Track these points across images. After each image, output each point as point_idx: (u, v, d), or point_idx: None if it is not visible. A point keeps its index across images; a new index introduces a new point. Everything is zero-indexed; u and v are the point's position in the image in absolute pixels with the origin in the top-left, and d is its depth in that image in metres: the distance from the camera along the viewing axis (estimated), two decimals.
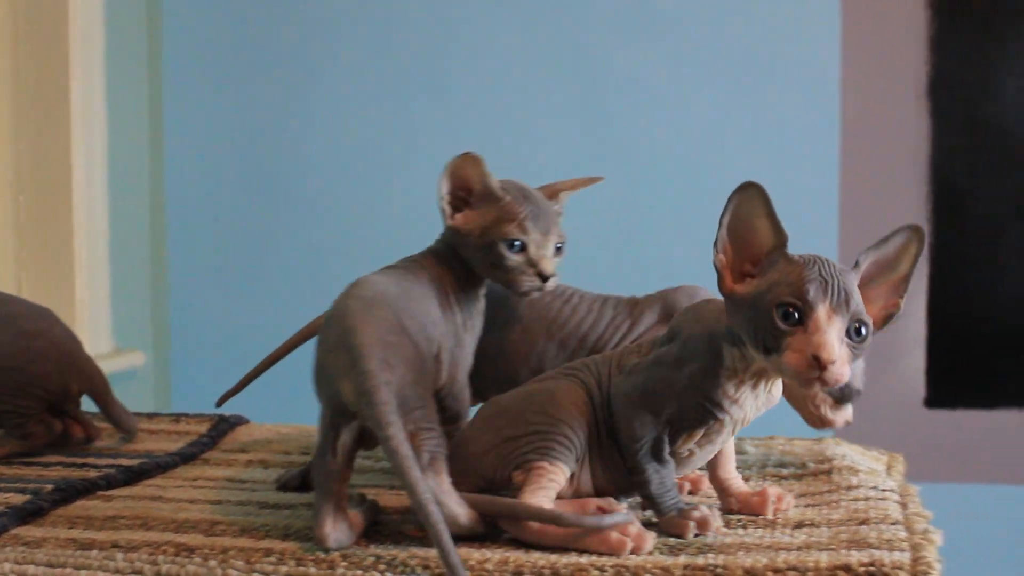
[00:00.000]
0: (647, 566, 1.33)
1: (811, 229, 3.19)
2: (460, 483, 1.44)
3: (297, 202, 3.41)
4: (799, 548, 1.37)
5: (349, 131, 3.39)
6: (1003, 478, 3.27)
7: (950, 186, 3.25)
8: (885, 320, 1.39)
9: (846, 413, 1.71)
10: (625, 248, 3.29)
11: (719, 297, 1.41)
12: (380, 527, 1.48)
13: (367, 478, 1.75)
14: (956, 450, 3.28)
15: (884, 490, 1.61)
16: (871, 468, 1.75)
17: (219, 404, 1.94)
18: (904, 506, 1.55)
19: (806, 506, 1.57)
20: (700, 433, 1.44)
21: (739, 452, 1.83)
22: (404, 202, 3.34)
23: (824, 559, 1.32)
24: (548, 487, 1.41)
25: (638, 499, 1.50)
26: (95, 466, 1.86)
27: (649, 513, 1.49)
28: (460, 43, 3.36)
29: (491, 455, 1.45)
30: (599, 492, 1.48)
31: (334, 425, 1.42)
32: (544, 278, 1.61)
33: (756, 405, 1.43)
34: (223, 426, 2.13)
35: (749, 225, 1.36)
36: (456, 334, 1.59)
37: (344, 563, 1.36)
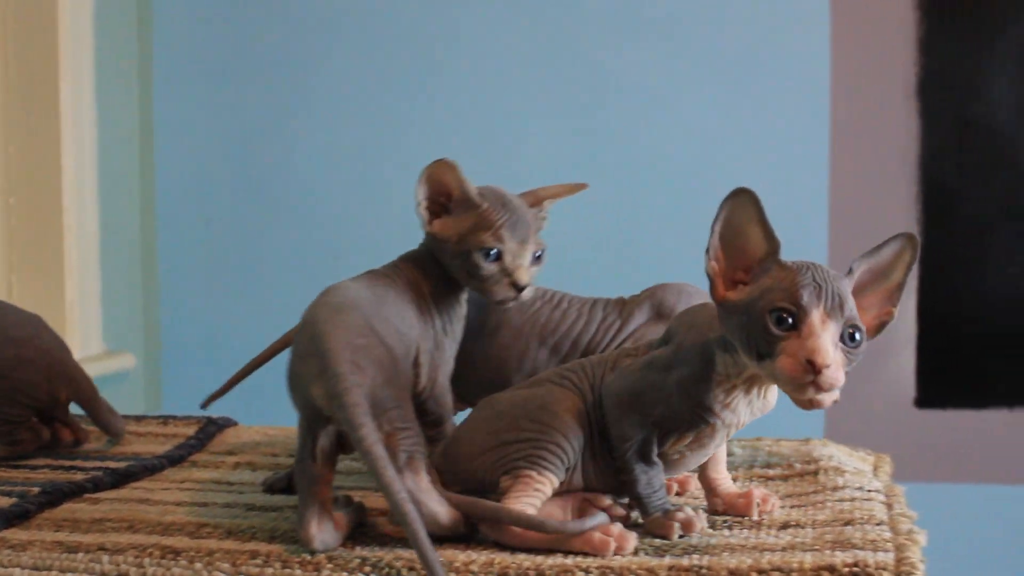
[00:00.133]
0: (632, 567, 1.33)
1: (801, 229, 3.20)
2: (450, 482, 1.44)
3: (288, 204, 3.41)
4: (784, 549, 1.38)
5: (340, 133, 3.39)
6: (994, 478, 3.28)
7: (939, 186, 3.26)
8: (878, 328, 1.39)
9: (834, 393, 1.71)
10: (616, 250, 3.29)
11: (709, 299, 1.41)
12: (367, 529, 1.48)
13: (354, 480, 1.75)
14: (947, 450, 3.29)
15: (870, 491, 1.62)
16: (857, 469, 1.75)
17: (204, 406, 1.94)
18: (889, 507, 1.56)
19: (792, 507, 1.58)
20: (690, 437, 1.44)
21: (727, 453, 1.83)
22: (395, 204, 3.32)
23: (808, 560, 1.33)
24: (533, 496, 1.41)
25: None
26: (82, 469, 1.86)
27: (635, 515, 1.49)
28: (452, 44, 3.36)
29: (482, 458, 1.45)
30: (590, 491, 1.48)
31: (311, 430, 1.42)
32: (519, 288, 1.60)
33: (751, 410, 1.43)
34: (211, 428, 2.13)
35: (741, 232, 1.36)
36: (435, 338, 1.59)
37: (330, 565, 1.36)
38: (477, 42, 3.35)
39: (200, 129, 3.43)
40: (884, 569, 1.30)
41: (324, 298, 1.50)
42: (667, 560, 1.35)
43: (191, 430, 2.15)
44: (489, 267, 1.59)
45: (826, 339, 1.30)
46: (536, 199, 1.68)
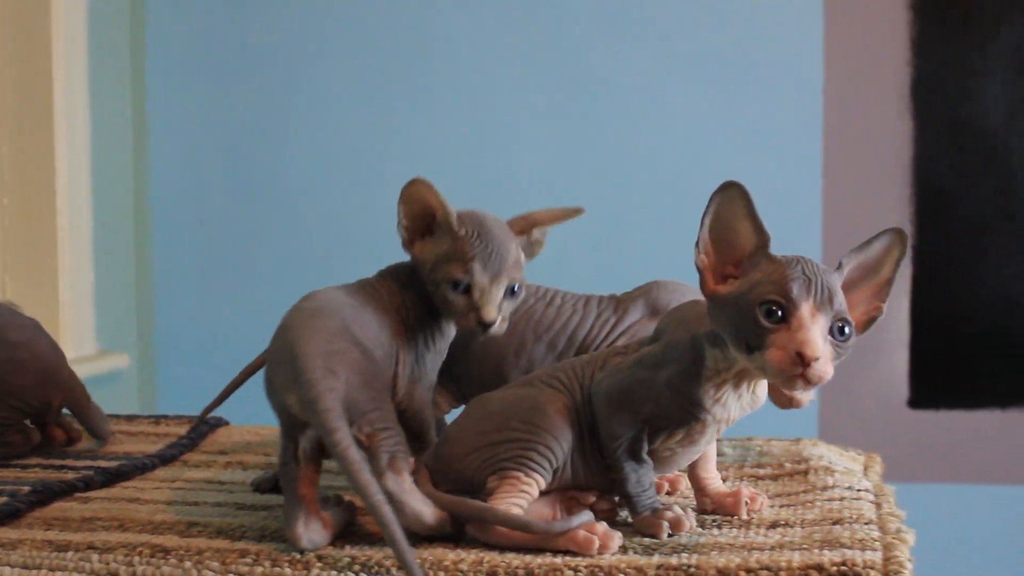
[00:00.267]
0: (621, 566, 1.33)
1: (794, 230, 3.20)
2: (441, 481, 1.45)
3: (281, 205, 3.41)
4: (772, 548, 1.38)
5: (333, 133, 3.39)
6: (987, 479, 3.28)
7: (933, 187, 3.26)
8: (867, 323, 1.39)
9: (811, 393, 1.71)
10: (609, 250, 3.29)
11: (702, 296, 1.41)
12: (357, 528, 1.48)
13: (345, 479, 1.75)
14: (940, 451, 3.29)
15: (859, 490, 1.62)
16: (847, 468, 1.75)
17: (202, 417, 1.94)
18: (879, 506, 1.56)
19: (781, 506, 1.58)
20: (681, 434, 1.44)
21: (717, 453, 1.83)
22: (388, 204, 3.33)
23: (797, 559, 1.33)
24: (519, 498, 1.41)
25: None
26: (73, 468, 1.86)
27: (624, 514, 1.49)
28: (443, 45, 3.36)
29: (471, 457, 1.45)
30: (578, 489, 1.48)
31: (291, 435, 1.43)
32: (484, 325, 1.56)
33: (740, 406, 1.43)
34: (202, 428, 2.13)
35: (731, 226, 1.37)
36: (416, 351, 1.57)
37: (319, 564, 1.37)
38: (470, 43, 3.36)
39: (194, 130, 3.44)
40: (872, 568, 1.30)
41: (300, 303, 1.50)
42: (656, 559, 1.35)
43: (183, 430, 2.15)
44: (456, 299, 1.56)
45: (815, 332, 1.30)
46: (526, 224, 1.64)
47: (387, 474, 1.38)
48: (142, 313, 3.45)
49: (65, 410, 2.03)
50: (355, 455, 1.33)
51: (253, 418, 2.28)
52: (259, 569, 1.37)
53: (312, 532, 1.40)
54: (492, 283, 1.56)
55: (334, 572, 1.35)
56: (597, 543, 1.37)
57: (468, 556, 1.37)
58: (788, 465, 1.77)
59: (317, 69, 3.39)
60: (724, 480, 1.66)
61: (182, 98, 3.43)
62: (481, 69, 3.36)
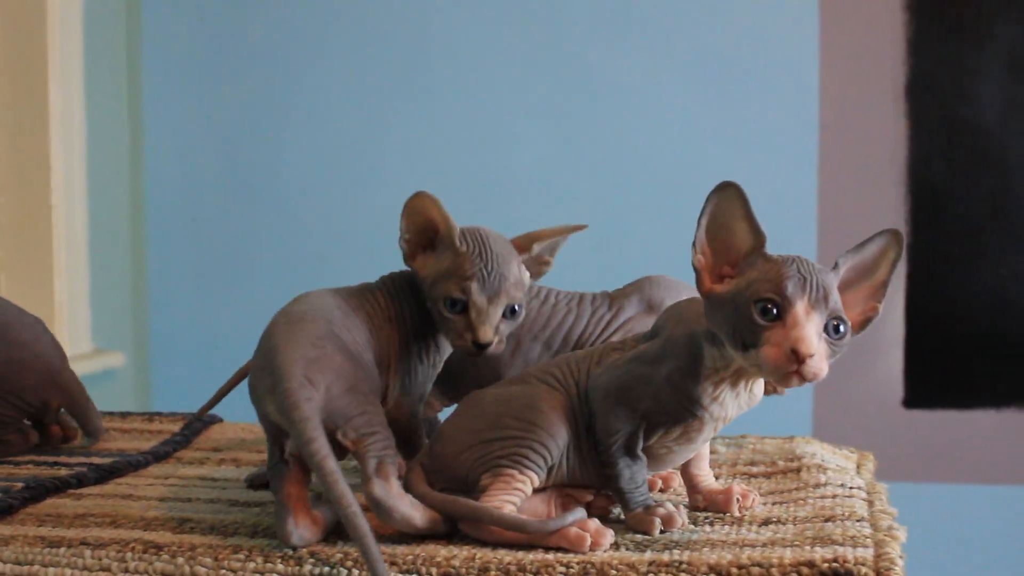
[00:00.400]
0: (613, 562, 1.34)
1: (790, 230, 3.21)
2: (435, 479, 1.45)
3: (276, 204, 3.41)
4: (764, 545, 1.38)
5: (328, 133, 3.40)
6: (981, 478, 3.29)
7: (928, 187, 3.27)
8: (863, 324, 1.39)
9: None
10: (605, 249, 3.29)
11: (696, 292, 1.41)
12: None
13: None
14: (934, 450, 3.29)
15: (852, 488, 1.62)
16: (840, 466, 1.75)
17: (199, 416, 1.94)
18: (871, 504, 1.56)
19: (774, 503, 1.58)
20: (678, 431, 1.44)
21: (711, 451, 1.84)
22: (383, 204, 3.33)
23: (788, 555, 1.33)
24: (512, 495, 1.41)
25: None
26: (67, 465, 1.86)
27: (617, 511, 1.49)
28: (439, 45, 3.37)
29: (465, 455, 1.45)
30: (573, 486, 1.48)
31: (276, 440, 1.43)
32: (479, 346, 1.53)
33: (738, 404, 1.43)
34: (196, 425, 2.13)
35: (727, 226, 1.37)
36: (409, 361, 1.55)
37: (312, 560, 1.37)
38: (466, 43, 3.36)
39: (189, 129, 3.44)
40: (863, 564, 1.30)
41: (287, 307, 1.50)
42: (648, 555, 1.35)
43: (176, 427, 2.15)
44: (453, 318, 1.53)
45: (810, 329, 1.31)
46: (527, 242, 1.60)
47: (373, 480, 1.38)
48: (137, 311, 3.45)
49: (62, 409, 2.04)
50: (331, 465, 1.33)
51: (247, 415, 2.28)
52: (251, 565, 1.37)
53: (303, 529, 1.40)
54: (490, 303, 1.53)
55: (326, 568, 1.35)
56: (589, 540, 1.37)
57: (460, 552, 1.37)
58: (781, 463, 1.77)
59: (313, 69, 3.39)
60: (717, 477, 1.67)
61: (177, 97, 3.44)
62: (478, 69, 3.36)
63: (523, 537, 1.39)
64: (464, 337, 1.53)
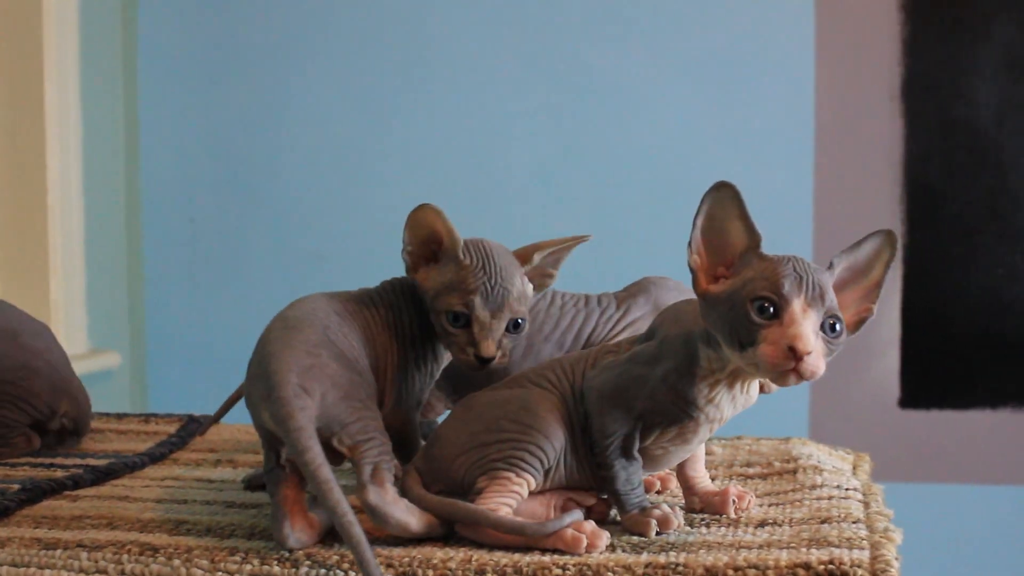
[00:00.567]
0: (609, 564, 1.34)
1: (786, 230, 3.21)
2: (431, 482, 1.45)
3: (272, 204, 3.41)
4: (760, 546, 1.38)
5: (324, 133, 3.39)
6: (977, 478, 3.29)
7: (924, 187, 3.27)
8: (858, 324, 1.40)
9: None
10: (601, 249, 3.29)
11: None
12: None
13: (344, 478, 1.75)
14: (930, 450, 3.30)
15: (848, 489, 1.62)
16: (836, 467, 1.75)
17: (202, 433, 1.94)
18: (867, 505, 1.56)
19: (770, 505, 1.58)
20: (674, 431, 1.44)
21: (707, 452, 1.83)
22: (379, 203, 3.34)
23: (784, 557, 1.33)
24: (509, 497, 1.42)
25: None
26: (63, 466, 1.86)
27: (614, 513, 1.49)
28: (436, 44, 3.36)
29: (461, 459, 1.45)
30: (572, 488, 1.48)
31: (271, 446, 1.43)
32: (482, 360, 1.51)
33: (733, 406, 1.43)
34: (192, 426, 2.13)
35: (723, 227, 1.38)
36: (406, 369, 1.54)
37: (308, 562, 1.37)
38: (462, 43, 3.36)
39: (185, 128, 3.43)
40: (859, 566, 1.30)
41: (283, 312, 1.49)
42: (644, 557, 1.35)
43: (172, 428, 2.15)
44: (455, 332, 1.52)
45: (807, 327, 1.31)
46: (529, 252, 1.59)
47: (368, 487, 1.38)
48: (134, 312, 3.45)
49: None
50: (326, 474, 1.33)
51: (243, 417, 2.28)
52: (248, 567, 1.37)
53: (299, 533, 1.40)
54: (493, 318, 1.51)
55: (322, 570, 1.35)
56: (585, 542, 1.37)
57: (457, 554, 1.37)
58: (777, 464, 1.77)
59: (309, 69, 3.39)
60: (713, 479, 1.67)
61: (173, 97, 3.43)
62: (475, 69, 3.36)
63: (519, 539, 1.39)
64: (467, 351, 1.51)
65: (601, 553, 1.37)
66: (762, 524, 1.49)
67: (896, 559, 1.34)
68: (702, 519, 1.52)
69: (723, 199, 1.37)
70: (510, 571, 1.33)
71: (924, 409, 3.30)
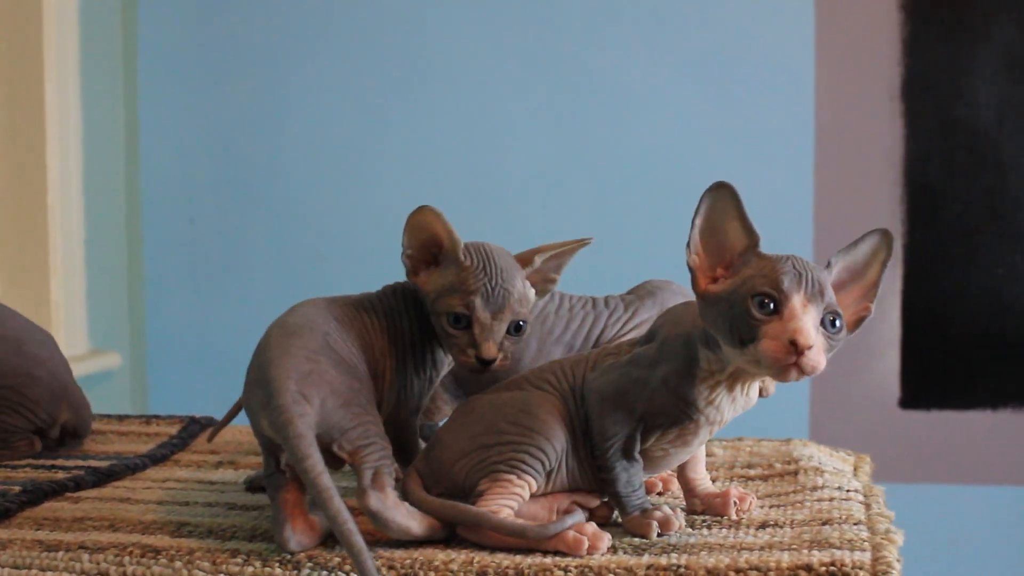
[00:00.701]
0: (611, 566, 1.34)
1: (786, 231, 3.21)
2: (432, 484, 1.45)
3: (272, 205, 3.41)
4: (762, 548, 1.38)
5: (324, 134, 3.39)
6: (977, 479, 3.29)
7: (924, 187, 3.27)
8: (857, 323, 1.40)
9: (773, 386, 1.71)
10: (600, 249, 3.29)
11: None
12: None
13: (343, 480, 1.75)
14: (931, 451, 3.30)
15: (849, 491, 1.62)
16: (837, 469, 1.75)
17: (210, 439, 1.94)
18: (868, 506, 1.56)
19: (771, 506, 1.58)
20: (674, 433, 1.44)
21: (707, 454, 1.83)
22: (379, 203, 3.34)
23: (786, 559, 1.33)
24: (510, 499, 1.42)
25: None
26: (64, 468, 1.86)
27: (615, 514, 1.50)
28: (435, 44, 3.36)
29: (463, 461, 1.45)
30: (574, 491, 1.48)
31: (271, 451, 1.43)
32: (483, 362, 1.50)
33: (734, 407, 1.44)
34: (193, 428, 2.13)
35: (721, 227, 1.38)
36: (405, 374, 1.53)
37: (310, 564, 1.37)
38: (462, 42, 3.36)
39: (185, 129, 3.43)
40: (860, 568, 1.30)
41: (281, 318, 1.49)
42: (645, 559, 1.36)
43: (174, 429, 2.15)
44: (456, 334, 1.50)
45: (807, 321, 1.32)
46: (530, 255, 1.57)
47: (369, 492, 1.38)
48: (134, 312, 3.45)
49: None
50: (325, 482, 1.33)
51: (244, 418, 2.28)
52: (249, 569, 1.37)
53: (300, 534, 1.40)
54: (494, 319, 1.50)
55: (324, 572, 1.35)
56: (586, 544, 1.37)
57: (458, 556, 1.37)
58: (778, 465, 1.77)
59: (309, 68, 3.39)
60: (714, 480, 1.67)
61: (173, 98, 3.43)
62: (472, 68, 3.36)
63: (521, 541, 1.39)
64: (468, 353, 1.50)
65: (602, 555, 1.37)
66: (763, 526, 1.49)
67: (898, 560, 1.34)
68: (703, 521, 1.52)
69: (721, 199, 1.37)
70: (512, 573, 1.34)
71: (924, 410, 3.30)
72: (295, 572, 1.36)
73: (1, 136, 3.03)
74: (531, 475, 1.43)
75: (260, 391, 1.40)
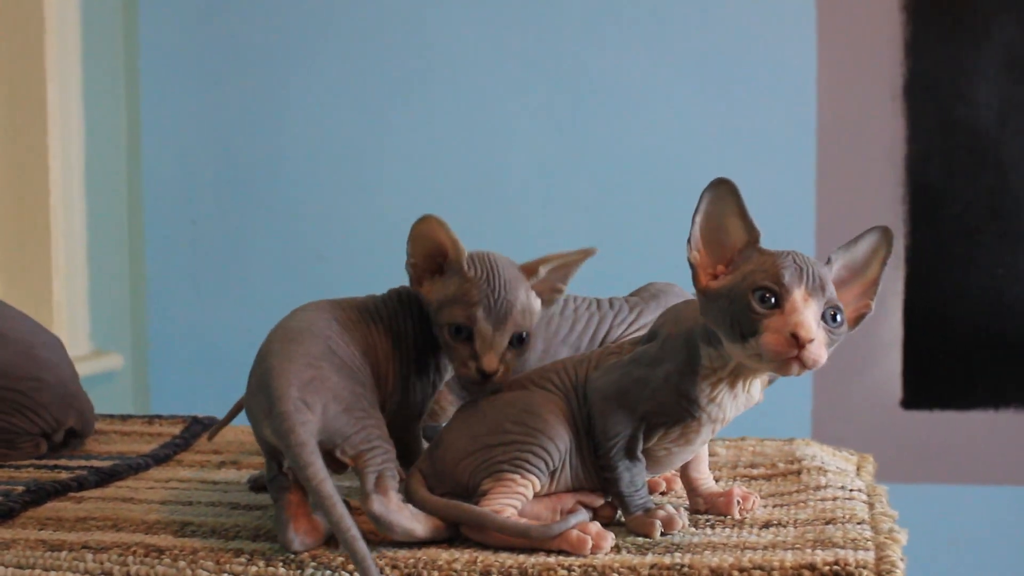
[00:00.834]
0: (614, 565, 1.34)
1: (787, 229, 3.21)
2: (435, 485, 1.45)
3: (274, 205, 3.41)
4: (765, 547, 1.38)
5: (326, 134, 3.39)
6: (979, 479, 3.29)
7: (925, 187, 3.27)
8: (857, 321, 1.40)
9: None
10: (601, 249, 3.29)
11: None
12: None
13: (343, 480, 1.75)
14: (932, 451, 3.30)
15: (852, 490, 1.62)
16: (840, 468, 1.75)
17: (210, 438, 1.94)
18: (871, 506, 1.56)
19: (774, 506, 1.58)
20: (677, 432, 1.44)
21: (711, 453, 1.84)
22: (380, 204, 3.34)
23: (789, 558, 1.33)
24: (514, 499, 1.42)
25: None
26: (67, 468, 1.86)
27: (619, 514, 1.50)
28: (436, 45, 3.37)
29: (466, 461, 1.45)
30: (578, 490, 1.49)
31: (273, 456, 1.43)
32: (484, 375, 1.48)
33: (735, 405, 1.44)
34: (196, 428, 2.13)
35: (721, 223, 1.38)
36: (407, 379, 1.52)
37: (313, 563, 1.37)
38: (462, 43, 3.36)
39: (187, 130, 3.44)
40: (864, 567, 1.30)
41: (283, 322, 1.48)
42: (649, 558, 1.36)
43: (176, 429, 2.15)
44: (458, 345, 1.48)
45: (808, 314, 1.32)
46: (535, 265, 1.54)
47: (372, 497, 1.38)
48: (136, 313, 3.45)
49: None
50: (328, 489, 1.33)
51: (245, 419, 2.28)
52: (253, 569, 1.37)
53: (304, 536, 1.40)
54: (496, 331, 1.48)
55: (328, 572, 1.35)
56: (590, 543, 1.37)
57: (462, 556, 1.37)
58: (781, 465, 1.77)
59: (311, 70, 3.39)
60: (717, 480, 1.67)
61: (175, 99, 3.43)
62: (472, 69, 3.36)
63: (525, 541, 1.39)
64: (468, 365, 1.48)
65: (606, 554, 1.37)
66: (767, 525, 1.49)
67: (901, 560, 1.34)
68: (707, 520, 1.52)
69: (721, 196, 1.37)
70: (515, 572, 1.34)
71: (926, 410, 3.30)
72: (299, 572, 1.36)
73: (3, 137, 3.03)
74: (535, 475, 1.43)
75: (262, 398, 1.40)
